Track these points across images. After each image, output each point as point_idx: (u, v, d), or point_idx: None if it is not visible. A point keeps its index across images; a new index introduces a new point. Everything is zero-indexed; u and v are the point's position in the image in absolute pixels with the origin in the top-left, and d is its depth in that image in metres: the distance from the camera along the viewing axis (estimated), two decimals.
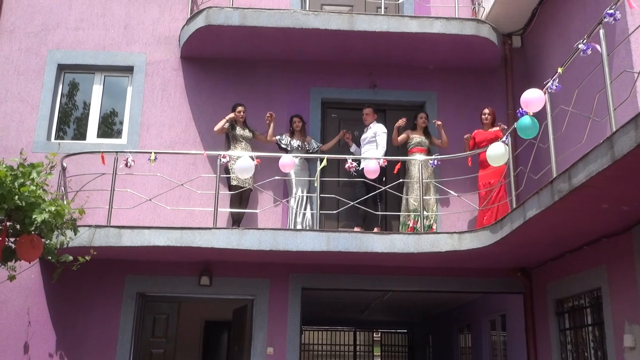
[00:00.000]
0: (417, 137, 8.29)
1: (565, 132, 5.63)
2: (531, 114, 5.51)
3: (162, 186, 8.07)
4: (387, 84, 8.87)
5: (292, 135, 8.32)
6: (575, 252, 6.56)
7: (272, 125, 8.25)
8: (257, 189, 8.05)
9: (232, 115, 8.05)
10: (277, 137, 8.29)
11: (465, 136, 8.07)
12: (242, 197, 7.92)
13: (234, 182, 7.81)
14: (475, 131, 8.11)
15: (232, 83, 8.79)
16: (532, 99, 5.48)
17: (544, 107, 5.52)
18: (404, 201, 8.03)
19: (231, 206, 7.78)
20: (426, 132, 8.38)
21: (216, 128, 8.05)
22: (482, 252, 6.81)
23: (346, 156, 7.76)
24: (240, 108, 8.16)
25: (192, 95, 8.72)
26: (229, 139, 8.13)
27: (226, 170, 7.86)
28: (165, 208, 7.85)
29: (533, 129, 5.61)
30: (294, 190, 8.02)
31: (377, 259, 7.26)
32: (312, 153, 8.21)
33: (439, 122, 8.22)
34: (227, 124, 7.99)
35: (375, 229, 7.75)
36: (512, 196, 6.58)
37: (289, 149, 8.19)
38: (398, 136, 8.27)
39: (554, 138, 5.44)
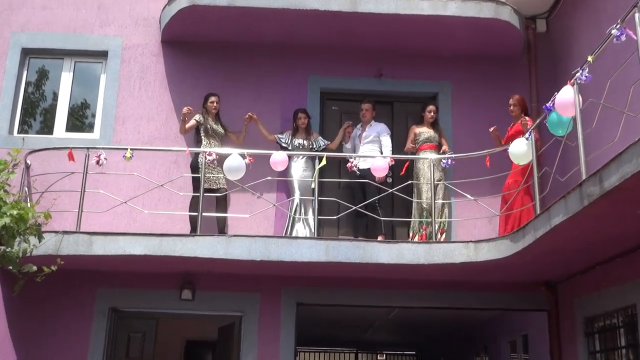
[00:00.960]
0: (425, 132, 8.30)
1: (596, 129, 5.62)
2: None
3: (139, 187, 8.04)
4: (394, 73, 8.88)
5: (295, 133, 8.31)
6: (607, 264, 6.56)
7: (259, 124, 8.23)
8: (247, 190, 8.04)
9: (185, 110, 7.93)
10: (277, 136, 8.29)
11: (491, 129, 7.97)
12: (218, 200, 7.88)
13: (205, 185, 7.71)
14: (509, 127, 8.02)
15: (219, 71, 8.79)
16: (568, 101, 5.49)
17: (557, 118, 5.54)
18: (414, 205, 8.04)
19: (191, 210, 7.75)
20: (435, 126, 8.38)
21: (181, 130, 8.03)
22: (502, 263, 6.81)
23: (348, 154, 7.76)
24: (213, 99, 8.14)
25: (174, 84, 8.72)
26: (199, 133, 8.10)
27: (194, 167, 7.84)
28: (143, 212, 7.85)
29: (563, 126, 5.62)
30: (297, 193, 8.01)
31: (383, 270, 7.26)
32: (319, 152, 8.19)
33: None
34: (196, 118, 7.96)
35: (380, 237, 7.74)
36: (536, 200, 6.59)
37: (290, 148, 8.18)
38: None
39: (584, 135, 5.44)
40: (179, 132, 8.26)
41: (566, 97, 5.57)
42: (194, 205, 7.76)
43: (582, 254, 6.41)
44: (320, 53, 8.89)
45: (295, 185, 8.05)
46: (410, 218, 8.13)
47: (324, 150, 8.22)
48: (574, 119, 5.58)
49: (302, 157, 8.09)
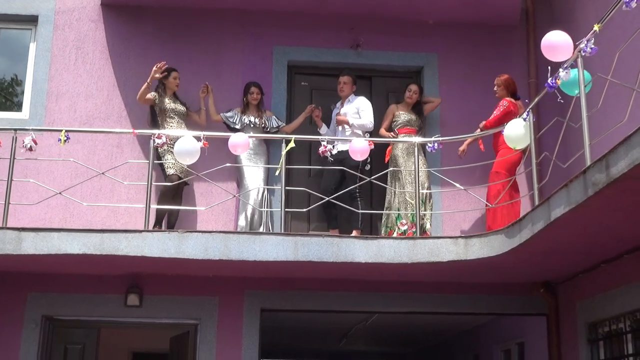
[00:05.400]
0: (404, 114, 8.34)
1: (603, 108, 5.69)
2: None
3: (77, 175, 7.99)
4: (373, 44, 8.89)
5: (245, 109, 8.29)
6: (613, 262, 6.66)
7: (211, 98, 8.20)
8: (203, 180, 8.01)
9: (156, 74, 7.90)
10: (223, 115, 8.26)
11: (481, 125, 8.03)
12: (177, 191, 7.87)
13: (171, 171, 7.75)
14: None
15: (170, 40, 8.73)
16: (558, 43, 5.53)
17: (576, 76, 5.58)
18: (392, 198, 8.07)
19: (160, 202, 7.75)
20: (416, 109, 8.42)
21: (140, 95, 7.97)
22: (495, 262, 6.88)
23: (320, 137, 7.76)
24: (176, 74, 8.13)
25: (117, 55, 8.64)
26: (155, 113, 8.08)
27: (159, 154, 7.82)
28: (81, 204, 7.78)
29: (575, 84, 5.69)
30: (246, 181, 8.01)
31: (359, 270, 7.29)
32: (270, 133, 8.20)
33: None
34: (150, 95, 7.96)
35: (355, 232, 7.77)
36: (534, 189, 6.66)
37: (239, 127, 8.17)
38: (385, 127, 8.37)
39: (588, 115, 5.49)
40: (137, 99, 8.11)
41: (555, 39, 5.60)
42: (164, 196, 7.77)
43: (585, 251, 6.50)
44: (287, 20, 8.86)
45: (245, 172, 8.04)
46: (388, 211, 8.17)
47: (277, 132, 8.23)
48: (578, 96, 5.64)
49: (255, 139, 8.06)
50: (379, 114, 8.57)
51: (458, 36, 9.00)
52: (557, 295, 7.94)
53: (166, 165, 7.81)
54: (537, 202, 6.33)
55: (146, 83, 7.92)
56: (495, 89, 8.08)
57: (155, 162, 7.57)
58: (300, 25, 8.87)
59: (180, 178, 7.78)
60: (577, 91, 5.77)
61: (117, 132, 8.17)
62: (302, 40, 8.88)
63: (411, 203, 7.87)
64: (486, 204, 7.70)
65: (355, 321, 12.07)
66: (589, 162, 5.13)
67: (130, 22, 8.73)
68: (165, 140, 7.46)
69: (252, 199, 7.92)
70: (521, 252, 6.48)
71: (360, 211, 7.82)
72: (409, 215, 7.89)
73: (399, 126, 8.31)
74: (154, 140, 7.37)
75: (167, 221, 7.92)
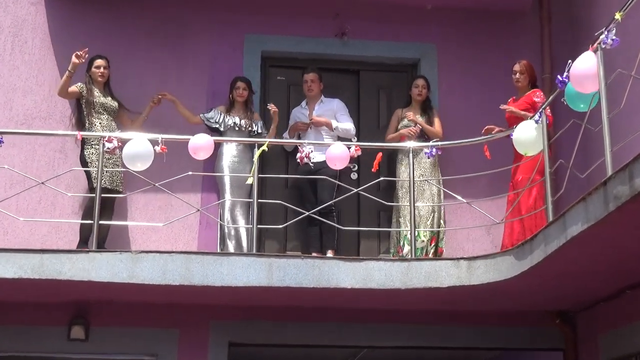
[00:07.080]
0: (409, 116, 8.40)
1: (626, 109, 5.74)
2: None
3: (12, 185, 8.02)
4: (362, 32, 8.96)
5: (230, 108, 8.31)
6: (639, 288, 6.71)
7: (179, 104, 8.23)
8: (161, 191, 8.00)
9: (75, 60, 7.85)
10: (203, 115, 8.28)
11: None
12: (105, 203, 7.80)
13: (93, 183, 7.66)
14: (510, 100, 8.18)
15: (124, 27, 8.77)
16: (587, 71, 5.59)
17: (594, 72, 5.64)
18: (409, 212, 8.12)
19: (84, 217, 7.76)
20: (425, 107, 8.45)
21: (61, 87, 7.97)
22: (503, 287, 6.90)
23: (299, 141, 7.79)
24: (99, 62, 8.12)
25: (60, 44, 8.65)
26: (81, 107, 8.08)
27: (82, 160, 7.85)
28: (17, 219, 7.76)
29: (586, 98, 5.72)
30: (227, 193, 8.04)
31: (345, 298, 7.30)
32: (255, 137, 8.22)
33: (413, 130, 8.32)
34: (77, 87, 7.98)
35: (330, 253, 7.80)
36: (547, 203, 6.69)
37: (222, 129, 8.19)
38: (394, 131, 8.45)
39: (609, 118, 5.54)
40: (57, 93, 8.15)
41: (584, 67, 5.66)
42: (88, 211, 7.72)
43: (607, 274, 6.53)
44: (261, 5, 8.90)
45: (226, 181, 8.05)
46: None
47: (259, 136, 8.25)
48: (597, 96, 5.69)
49: (238, 145, 8.07)
50: (367, 115, 8.61)
51: (460, 24, 9.06)
52: (575, 327, 7.96)
53: (92, 177, 7.77)
54: (551, 218, 6.36)
55: (67, 71, 7.90)
56: (517, 76, 8.01)
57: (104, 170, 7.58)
58: (276, 11, 8.92)
59: (108, 190, 7.76)
60: (582, 105, 5.83)
61: (60, 135, 8.17)
62: (278, 28, 8.93)
63: (426, 218, 7.99)
64: (511, 215, 7.67)
65: (340, 357, 12.06)
66: (610, 172, 5.16)
67: (77, 5, 8.74)
68: (116, 145, 7.43)
69: (228, 215, 7.95)
70: (533, 276, 6.50)
71: (346, 227, 7.85)
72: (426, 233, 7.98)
73: (402, 130, 8.37)
74: (103, 143, 7.37)
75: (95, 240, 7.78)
